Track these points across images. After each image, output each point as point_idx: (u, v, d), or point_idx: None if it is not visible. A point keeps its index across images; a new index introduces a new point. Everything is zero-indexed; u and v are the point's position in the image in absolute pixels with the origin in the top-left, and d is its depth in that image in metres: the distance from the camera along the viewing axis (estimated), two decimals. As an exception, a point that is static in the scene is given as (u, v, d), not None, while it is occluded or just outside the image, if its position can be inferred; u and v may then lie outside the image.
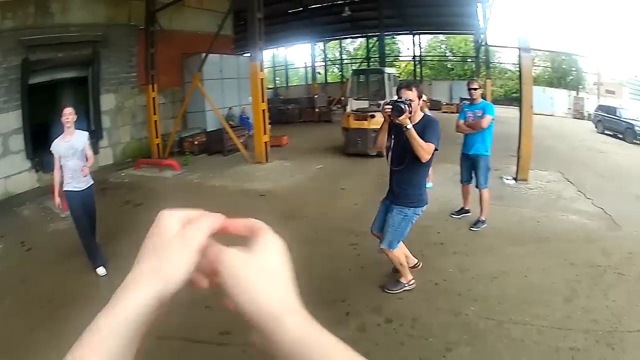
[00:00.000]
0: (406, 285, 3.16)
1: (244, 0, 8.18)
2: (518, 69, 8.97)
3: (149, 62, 8.89)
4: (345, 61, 26.85)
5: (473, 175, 4.58)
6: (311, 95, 17.78)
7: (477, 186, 4.57)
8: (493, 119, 4.45)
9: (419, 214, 3.02)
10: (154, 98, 8.96)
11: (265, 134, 8.01)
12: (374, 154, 8.10)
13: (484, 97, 4.93)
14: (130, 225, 4.43)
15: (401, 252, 3.13)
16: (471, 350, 2.59)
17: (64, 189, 3.87)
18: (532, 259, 3.93)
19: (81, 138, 3.91)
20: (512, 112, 17.26)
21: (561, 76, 24.27)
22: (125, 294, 0.31)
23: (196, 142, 9.25)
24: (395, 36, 24.61)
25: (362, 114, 8.31)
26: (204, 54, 8.98)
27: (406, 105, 2.57)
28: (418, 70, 23.29)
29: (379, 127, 6.67)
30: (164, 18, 9.35)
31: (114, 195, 6.54)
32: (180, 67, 10.30)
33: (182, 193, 6.45)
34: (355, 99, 9.79)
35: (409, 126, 2.58)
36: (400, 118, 2.55)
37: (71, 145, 3.84)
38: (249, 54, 9.63)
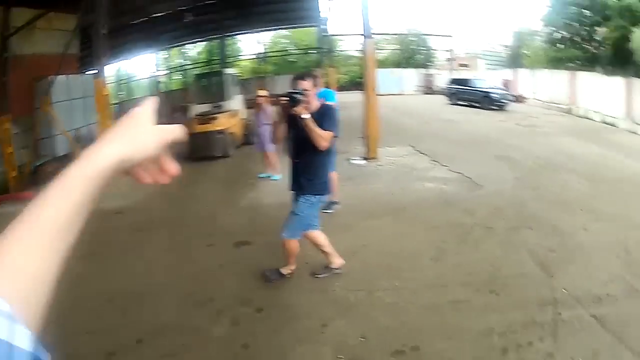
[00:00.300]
0: (285, 275, 3.78)
1: (90, 17, 9.40)
2: (362, 55, 10.61)
3: (1, 90, 9.78)
4: (189, 67, 29.98)
5: None
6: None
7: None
8: (336, 104, 5.35)
9: (323, 201, 3.69)
10: (6, 129, 9.91)
11: None
12: (220, 155, 9.55)
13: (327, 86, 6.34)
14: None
15: (320, 236, 3.69)
16: (346, 321, 3.22)
17: None
18: (391, 229, 4.90)
19: None
20: (357, 96, 19.29)
21: (410, 56, 30.83)
22: (98, 148, 0.47)
23: (49, 170, 10.13)
24: (236, 37, 28.24)
25: (204, 118, 9.81)
26: (50, 77, 10.16)
27: (301, 96, 3.10)
28: (261, 67, 28.04)
29: (222, 128, 8.44)
30: (14, 42, 10.30)
31: None
32: (31, 93, 11.26)
33: None
34: (197, 104, 11.17)
35: (306, 116, 3.10)
36: (296, 108, 3.08)
37: None
38: (94, 71, 10.68)
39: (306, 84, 3.33)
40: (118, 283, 4.07)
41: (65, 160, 9.34)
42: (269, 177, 7.59)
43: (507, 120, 14.44)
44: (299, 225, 3.63)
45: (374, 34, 9.03)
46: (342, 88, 24.84)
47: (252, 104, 9.14)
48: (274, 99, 6.83)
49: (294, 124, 3.36)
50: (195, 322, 3.40)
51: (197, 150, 9.62)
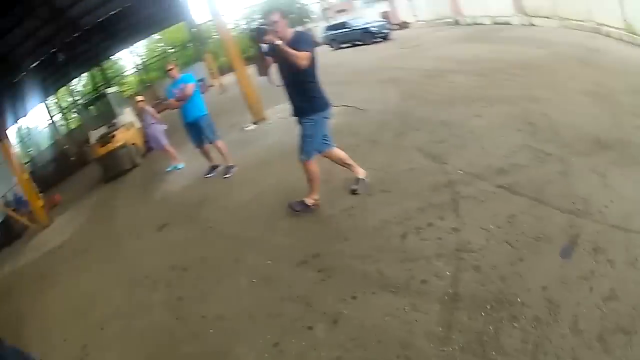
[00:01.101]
0: (310, 206, 4.02)
1: None
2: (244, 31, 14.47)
3: None
4: (81, 101, 29.75)
5: (203, 137, 6.38)
6: (62, 148, 21.20)
7: (210, 142, 6.32)
8: (196, 85, 6.26)
9: (327, 117, 3.87)
10: None
11: (38, 199, 9.90)
12: (130, 167, 10.20)
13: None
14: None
15: (339, 152, 3.99)
16: (255, 251, 3.72)
17: None
18: (281, 169, 5.31)
19: None
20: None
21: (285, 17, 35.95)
22: None
23: None
24: (114, 57, 29.00)
25: (104, 139, 10.48)
26: None
27: (266, 27, 3.41)
28: (146, 77, 29.66)
29: (123, 143, 9.33)
30: None
31: None
32: None
33: None
34: (93, 130, 11.73)
35: (278, 42, 3.38)
36: (266, 37, 3.41)
37: None
38: None
39: (274, 16, 3.57)
40: (74, 297, 4.75)
41: (1, 226, 10.06)
42: (175, 168, 8.17)
43: (391, 48, 14.91)
44: (311, 145, 3.84)
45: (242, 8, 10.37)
46: (226, 70, 25.25)
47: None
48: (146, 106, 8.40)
49: (274, 54, 3.63)
50: (138, 297, 3.99)
51: (109, 170, 10.35)
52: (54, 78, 22.13)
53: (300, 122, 3.92)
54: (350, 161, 4.22)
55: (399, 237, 3.21)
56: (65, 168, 18.34)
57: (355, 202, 3.98)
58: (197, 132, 6.47)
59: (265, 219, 4.44)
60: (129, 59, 33.21)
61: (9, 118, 17.06)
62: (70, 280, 5.44)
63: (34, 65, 18.71)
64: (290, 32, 3.75)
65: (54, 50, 17.88)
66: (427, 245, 3.02)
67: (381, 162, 4.61)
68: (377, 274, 2.94)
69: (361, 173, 4.21)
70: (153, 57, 33.81)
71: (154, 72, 31.68)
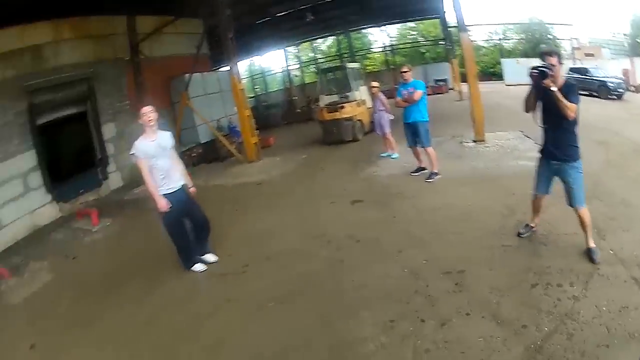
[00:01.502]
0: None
1: (215, 20, 11.53)
2: (492, 45, 15.59)
3: (140, 88, 12.47)
4: (321, 60, 33.56)
5: (417, 140, 7.18)
6: (290, 97, 24.26)
7: (422, 146, 7.11)
8: (423, 93, 7.02)
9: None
10: None
11: (253, 136, 11.15)
12: (349, 139, 11.35)
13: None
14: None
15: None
16: (419, 250, 4.56)
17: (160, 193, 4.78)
18: (475, 193, 6.07)
19: (167, 137, 4.93)
20: (488, 86, 21.57)
21: (535, 46, 31.46)
22: None
23: (193, 155, 12.96)
24: (362, 31, 31.67)
25: (333, 107, 11.66)
26: (187, 75, 12.66)
27: (549, 70, 3.70)
28: (390, 59, 30.64)
29: (349, 116, 10.71)
30: (145, 47, 12.88)
31: (133, 208, 9.37)
32: (166, 90, 14.01)
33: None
34: (325, 95, 13.35)
35: (554, 89, 3.67)
36: (545, 81, 3.69)
37: (159, 144, 4.78)
38: (226, 68, 13.49)
39: (553, 60, 3.82)
40: (256, 226, 6.25)
41: (208, 145, 12.56)
42: (389, 156, 9.11)
43: (620, 109, 14.65)
44: (581, 192, 4.07)
45: (495, 23, 10.72)
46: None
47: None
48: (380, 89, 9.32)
49: (544, 95, 3.92)
50: (309, 247, 5.20)
51: (329, 136, 11.74)
52: (298, 32, 24.30)
53: (562, 169, 4.14)
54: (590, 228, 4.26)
55: (529, 284, 3.71)
56: (288, 116, 20.44)
57: (514, 242, 4.44)
58: (413, 133, 7.26)
59: (439, 227, 5.22)
60: (379, 36, 34.97)
61: (243, 53, 20.32)
62: (258, 214, 6.87)
63: (281, 14, 20.49)
64: (562, 78, 3.98)
65: (303, 6, 19.48)
66: (546, 300, 3.47)
67: (554, 217, 4.80)
68: (495, 304, 3.53)
69: (591, 242, 4.19)
70: (403, 43, 34.98)
71: (400, 56, 32.67)
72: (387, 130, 9.15)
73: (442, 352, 3.11)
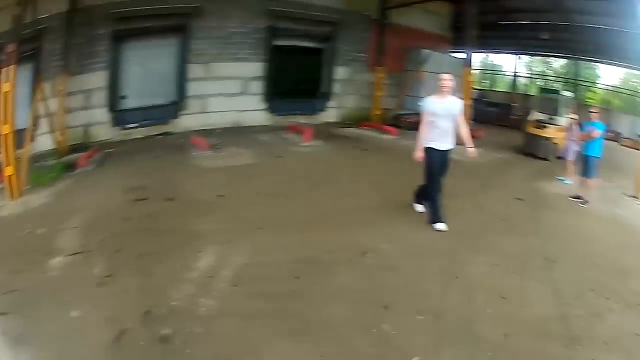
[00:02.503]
0: None
1: (461, 8, 14.31)
2: None
3: (380, 48, 15.18)
4: (550, 77, 35.67)
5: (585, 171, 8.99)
6: (510, 103, 25.60)
7: (587, 177, 8.90)
8: (602, 133, 8.78)
9: None
10: (380, 78, 15.39)
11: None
12: (541, 157, 13.15)
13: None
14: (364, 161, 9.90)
15: None
16: (548, 266, 5.43)
17: (426, 145, 6.03)
18: (604, 228, 7.37)
19: (457, 103, 6.02)
20: None
21: None
22: None
23: (410, 120, 14.85)
24: (592, 63, 32.05)
25: (539, 124, 13.70)
26: (425, 49, 15.45)
27: None
28: (609, 99, 31.64)
29: (549, 136, 13.29)
30: (393, 13, 15.49)
31: (343, 141, 12.16)
32: (402, 56, 16.70)
33: (398, 150, 11.56)
34: (537, 111, 15.38)
35: None
36: None
37: (447, 107, 5.91)
38: (459, 54, 16.28)
39: None
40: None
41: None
42: (563, 180, 10.82)
43: None
44: None
45: None
46: None
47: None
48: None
49: None
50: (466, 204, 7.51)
51: (527, 147, 13.77)
52: (533, 43, 25.91)
53: None
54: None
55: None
56: (502, 119, 22.43)
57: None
58: (584, 165, 9.18)
59: (566, 239, 6.60)
60: (607, 73, 35.63)
61: (479, 46, 22.64)
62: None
63: (522, 22, 22.93)
64: None
65: (543, 22, 21.65)
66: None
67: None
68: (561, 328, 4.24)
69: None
70: (625, 87, 35.38)
71: (617, 100, 33.49)
72: (570, 157, 10.83)
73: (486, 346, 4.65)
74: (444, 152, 6.07)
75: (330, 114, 15.70)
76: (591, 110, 9.48)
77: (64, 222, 5.78)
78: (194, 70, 12.25)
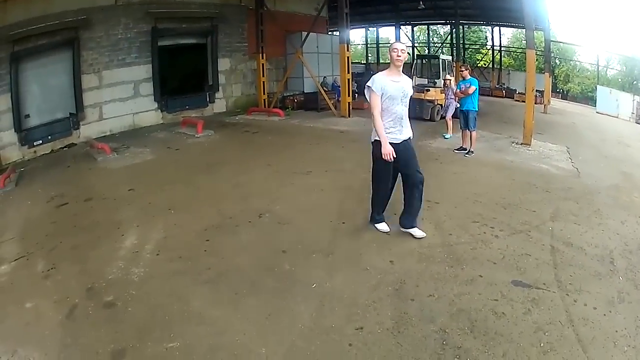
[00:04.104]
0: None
1: None
2: (595, 68, 21.44)
3: (258, 36, 17.30)
4: (436, 44, 41.36)
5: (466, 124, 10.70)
6: None
7: (468, 130, 10.79)
8: (476, 88, 10.75)
9: None
10: (263, 64, 17.57)
11: (349, 96, 15.77)
12: (427, 118, 15.47)
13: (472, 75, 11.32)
14: (256, 142, 11.46)
15: None
16: (431, 195, 7.04)
17: (376, 138, 5.55)
18: (488, 172, 9.17)
19: (409, 83, 5.60)
20: (580, 108, 26.04)
21: (634, 80, 37.04)
22: None
23: (295, 100, 18.19)
24: (473, 26, 38.22)
25: (420, 89, 15.86)
26: (304, 32, 17.41)
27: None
28: (497, 58, 35.55)
29: (432, 98, 16.23)
30: (268, 1, 17.61)
31: (234, 128, 14.01)
32: (282, 41, 19.61)
33: (286, 129, 13.90)
34: (417, 77, 18.48)
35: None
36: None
37: (402, 87, 5.39)
38: (337, 32, 17.79)
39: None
40: (328, 154, 10.40)
41: (310, 96, 19.00)
42: (444, 136, 12.87)
43: None
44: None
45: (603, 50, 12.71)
46: (573, 99, 32.82)
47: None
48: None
49: None
50: (360, 172, 8.63)
51: (411, 111, 14.88)
52: (413, 13, 30.44)
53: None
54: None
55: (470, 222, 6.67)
56: None
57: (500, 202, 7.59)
58: (464, 119, 10.97)
59: (451, 184, 8.40)
60: (494, 35, 39.84)
61: (360, 22, 26.50)
62: (333, 148, 11.41)
63: None
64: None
65: None
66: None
67: (536, 208, 7.53)
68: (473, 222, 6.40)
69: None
70: (514, 46, 41.36)
71: (507, 58, 38.83)
72: (449, 115, 12.94)
73: (393, 228, 5.99)
74: (405, 142, 5.56)
75: (219, 105, 18.30)
76: (462, 70, 11.40)
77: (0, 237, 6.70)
78: (89, 80, 13.70)
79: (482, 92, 15.48)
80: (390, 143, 5.37)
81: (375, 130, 5.46)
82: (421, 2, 26.14)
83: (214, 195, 7.94)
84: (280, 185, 8.29)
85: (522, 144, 12.74)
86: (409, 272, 5.02)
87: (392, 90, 5.35)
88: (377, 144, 5.45)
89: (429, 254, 5.43)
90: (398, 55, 5.39)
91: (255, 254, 5.55)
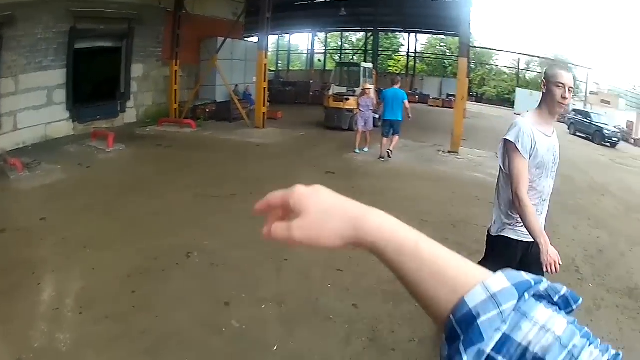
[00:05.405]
0: None
1: None
2: (514, 72, 25.57)
3: (174, 40, 17.10)
4: (348, 51, 43.19)
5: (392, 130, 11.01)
6: (308, 80, 30.49)
7: (394, 134, 11.78)
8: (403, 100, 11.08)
9: None
10: (176, 71, 17.38)
11: (264, 106, 15.69)
12: (346, 128, 15.84)
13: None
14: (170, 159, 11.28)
15: None
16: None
17: (503, 234, 3.56)
18: (426, 186, 9.62)
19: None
20: (498, 111, 27.80)
21: None
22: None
23: (207, 110, 18.16)
24: (391, 33, 40.54)
25: (339, 97, 16.63)
26: (220, 38, 17.53)
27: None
28: (412, 65, 38.26)
29: (351, 107, 16.60)
30: (189, 4, 17.42)
31: (146, 141, 13.81)
32: (197, 47, 19.52)
33: (200, 142, 13.72)
34: (336, 85, 19.09)
35: None
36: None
37: (554, 147, 3.64)
38: (256, 39, 18.96)
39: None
40: (247, 172, 10.16)
41: (222, 105, 18.86)
42: (363, 150, 13.29)
43: (606, 155, 19.43)
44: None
45: (521, 53, 13.58)
46: (489, 101, 35.03)
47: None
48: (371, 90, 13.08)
49: None
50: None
51: (330, 121, 16.36)
52: (330, 20, 31.37)
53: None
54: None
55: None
56: (301, 97, 26.67)
57: (439, 220, 8.17)
58: (390, 127, 11.76)
59: (387, 201, 8.45)
60: (409, 41, 42.29)
61: (275, 28, 25.57)
62: (251, 165, 11.01)
63: (318, 1, 27.26)
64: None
65: (340, 1, 25.77)
66: None
67: (465, 217, 8.45)
68: None
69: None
70: (429, 52, 44.79)
71: (424, 65, 42.13)
72: (367, 127, 13.17)
73: (344, 261, 6.07)
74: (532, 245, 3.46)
75: (130, 115, 17.95)
76: (395, 81, 12.24)
77: None
78: (6, 85, 12.99)
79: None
80: (520, 241, 3.74)
81: (520, 219, 3.61)
82: (342, 9, 27.77)
83: (132, 227, 7.50)
84: (203, 213, 8.03)
85: (449, 151, 13.70)
86: (378, 316, 4.90)
87: (543, 151, 3.53)
88: (503, 243, 3.80)
89: (392, 290, 5.27)
90: (564, 96, 3.51)
91: (193, 308, 5.10)
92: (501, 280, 0.60)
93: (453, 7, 20.01)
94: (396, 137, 12.66)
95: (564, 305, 0.64)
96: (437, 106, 31.13)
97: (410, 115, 12.61)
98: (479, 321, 0.57)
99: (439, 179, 10.80)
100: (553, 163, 3.72)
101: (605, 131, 25.23)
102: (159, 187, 9.62)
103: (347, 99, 17.78)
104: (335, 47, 47.86)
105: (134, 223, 7.65)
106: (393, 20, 34.20)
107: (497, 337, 0.57)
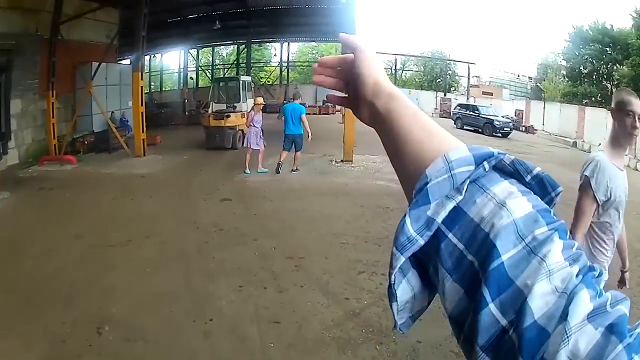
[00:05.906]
0: None
1: (131, 13, 15.95)
2: (390, 74, 18.97)
3: (50, 70, 16.01)
4: (219, 66, 42.81)
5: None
6: (182, 99, 30.55)
7: (296, 151, 11.82)
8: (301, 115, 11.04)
9: None
10: (52, 103, 16.40)
11: (143, 132, 14.96)
12: (229, 147, 15.49)
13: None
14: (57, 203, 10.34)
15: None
16: (270, 240, 7.98)
17: None
18: (330, 202, 9.54)
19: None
20: None
21: (432, 79, 43.79)
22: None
23: (86, 142, 17.00)
24: (264, 43, 41.45)
25: (219, 115, 16.13)
26: (95, 63, 16.56)
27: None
28: (285, 74, 38.94)
29: (233, 125, 16.89)
30: (64, 29, 16.44)
31: (29, 185, 12.94)
32: (73, 75, 18.28)
33: (82, 180, 12.87)
34: (215, 102, 18.64)
35: None
36: None
37: (625, 184, 3.38)
38: (129, 61, 18.74)
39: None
40: (138, 211, 9.44)
41: (100, 135, 17.95)
42: (256, 171, 12.50)
43: (501, 146, 17.44)
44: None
45: (398, 54, 13.41)
46: None
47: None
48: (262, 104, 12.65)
49: None
50: (182, 230, 8.76)
51: (211, 141, 15.85)
52: (204, 35, 31.56)
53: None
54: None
55: (357, 271, 6.99)
56: (177, 118, 26.58)
57: (353, 241, 8.23)
58: (292, 143, 11.92)
59: (293, 224, 8.69)
60: (279, 50, 43.17)
61: (149, 49, 24.78)
62: (140, 201, 10.17)
63: (191, 17, 27.37)
64: None
65: (214, 13, 26.53)
66: (369, 283, 6.47)
67: (391, 231, 8.45)
68: (325, 282, 6.61)
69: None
70: (302, 60, 45.95)
71: (295, 73, 42.89)
72: (252, 144, 12.82)
73: (277, 310, 5.20)
74: None
75: (13, 156, 16.75)
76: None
77: None
78: None
79: (270, 109, 16.83)
80: None
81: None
82: (217, 22, 28.29)
83: (30, 298, 6.30)
84: (101, 270, 6.81)
85: (342, 161, 13.94)
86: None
87: (619, 190, 3.30)
88: None
89: (343, 335, 4.95)
90: (634, 126, 3.30)
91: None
92: (462, 150, 0.59)
93: (336, 13, 20.15)
94: (298, 154, 12.87)
95: (540, 190, 0.58)
96: (314, 113, 31.61)
97: (310, 136, 12.90)
98: (428, 185, 0.57)
99: (342, 192, 10.87)
100: (625, 197, 3.41)
101: (496, 122, 26.66)
102: (48, 240, 8.55)
103: (228, 116, 17.41)
104: (206, 64, 48.27)
105: (31, 293, 6.46)
106: (266, 31, 35.29)
107: (450, 206, 0.55)
